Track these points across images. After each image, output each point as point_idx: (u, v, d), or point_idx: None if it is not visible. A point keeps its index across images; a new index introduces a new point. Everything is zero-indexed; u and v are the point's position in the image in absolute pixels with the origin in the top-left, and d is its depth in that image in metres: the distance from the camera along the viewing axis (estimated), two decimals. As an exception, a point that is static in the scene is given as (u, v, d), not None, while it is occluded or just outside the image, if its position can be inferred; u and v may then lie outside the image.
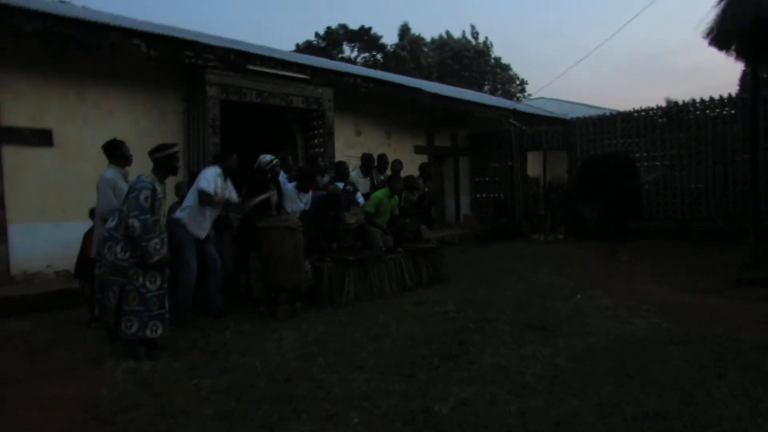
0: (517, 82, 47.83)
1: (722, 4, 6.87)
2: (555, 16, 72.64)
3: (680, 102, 12.01)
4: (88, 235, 5.74)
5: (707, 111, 11.48)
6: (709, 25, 7.03)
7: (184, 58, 8.20)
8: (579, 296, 5.90)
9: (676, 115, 11.87)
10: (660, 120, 12.08)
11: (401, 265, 6.76)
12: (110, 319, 4.47)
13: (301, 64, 9.97)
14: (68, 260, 7.30)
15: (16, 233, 7.12)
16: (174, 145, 4.93)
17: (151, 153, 4.68)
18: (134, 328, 4.27)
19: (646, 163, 12.48)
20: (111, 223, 4.47)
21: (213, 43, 8.96)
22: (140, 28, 8.04)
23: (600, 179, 9.22)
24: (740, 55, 7.35)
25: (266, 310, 5.69)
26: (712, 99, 11.43)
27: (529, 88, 46.08)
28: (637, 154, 12.44)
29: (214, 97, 8.58)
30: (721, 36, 7.07)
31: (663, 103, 24.52)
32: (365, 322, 5.15)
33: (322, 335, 4.76)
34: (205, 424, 3.02)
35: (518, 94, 46.25)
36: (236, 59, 8.86)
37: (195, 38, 8.77)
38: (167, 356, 4.32)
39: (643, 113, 12.39)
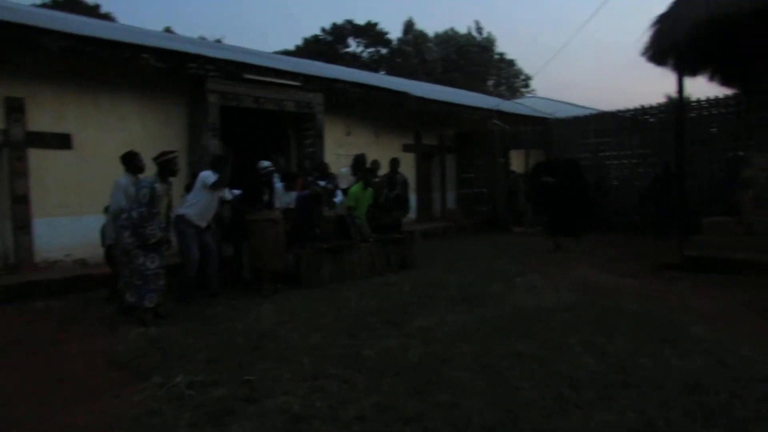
0: (522, 77, 48.61)
1: (656, 27, 7.84)
2: (561, 10, 73.06)
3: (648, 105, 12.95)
4: None
5: (670, 114, 12.41)
6: (646, 44, 8.01)
7: (188, 69, 9.26)
8: (518, 279, 6.96)
9: (641, 117, 12.82)
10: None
11: (372, 252, 7.85)
12: (124, 292, 5.60)
13: (293, 72, 11.01)
14: (84, 250, 8.40)
15: (39, 226, 8.07)
16: (173, 151, 6.08)
17: (155, 159, 5.82)
18: (134, 298, 5.43)
19: (615, 161, 13.52)
20: (124, 215, 5.61)
21: (213, 54, 10.04)
22: (149, 42, 9.09)
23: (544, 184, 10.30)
24: (675, 67, 8.35)
25: (255, 289, 6.80)
26: (671, 101, 12.42)
27: (533, 83, 46.79)
28: (608, 153, 13.48)
29: (214, 104, 9.63)
30: (657, 53, 8.05)
31: (664, 99, 25.22)
32: (333, 298, 6.26)
33: (295, 308, 5.86)
34: (197, 365, 4.11)
35: (522, 89, 47.06)
36: (234, 69, 9.92)
37: (197, 51, 9.84)
38: (169, 323, 5.42)
39: (611, 115, 13.35)
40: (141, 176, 6.42)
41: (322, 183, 8.41)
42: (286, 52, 34.80)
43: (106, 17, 30.78)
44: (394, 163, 10.01)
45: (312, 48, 37.20)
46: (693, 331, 4.33)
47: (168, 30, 32.50)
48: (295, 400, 3.30)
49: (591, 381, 3.37)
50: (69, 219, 8.40)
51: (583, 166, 12.27)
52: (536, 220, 14.29)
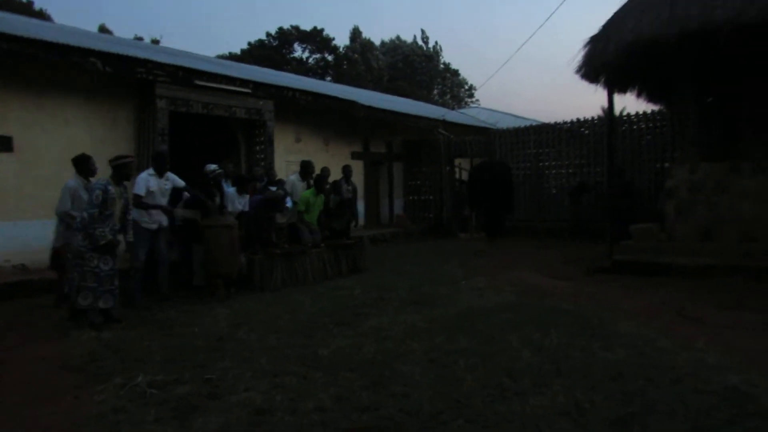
0: (466, 87, 49.86)
1: (588, 46, 8.44)
2: (504, 23, 75.30)
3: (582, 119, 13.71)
4: None
5: (604, 127, 13.19)
6: (579, 63, 8.61)
7: (137, 74, 9.24)
8: (464, 282, 7.35)
9: (577, 130, 13.58)
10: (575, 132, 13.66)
11: (323, 257, 8.08)
12: (73, 295, 5.60)
13: (244, 80, 11.11)
14: (24, 255, 8.23)
15: (-25, 231, 7.93)
16: (129, 156, 6.15)
17: (110, 161, 5.88)
18: (89, 300, 5.45)
19: (554, 171, 14.24)
20: (78, 218, 5.64)
21: (163, 59, 10.03)
22: (97, 46, 9.01)
23: (480, 185, 10.85)
24: (606, 85, 9.01)
25: (207, 293, 6.89)
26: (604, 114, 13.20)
27: (477, 93, 48.15)
28: (547, 163, 14.20)
29: (164, 109, 9.63)
30: (589, 72, 8.67)
31: (600, 111, 26.34)
32: (286, 301, 6.45)
33: (250, 311, 6.01)
34: (155, 366, 4.22)
35: (466, 98, 48.28)
36: (184, 75, 9.94)
37: (147, 56, 9.81)
38: (122, 328, 5.46)
39: (550, 127, 14.08)
40: (93, 179, 6.44)
41: (272, 189, 8.57)
42: (232, 56, 34.51)
43: (40, 14, 29.70)
44: (346, 170, 10.27)
45: (258, 52, 36.96)
46: (619, 327, 4.79)
47: (103, 27, 31.66)
48: (257, 396, 3.49)
49: (527, 371, 3.73)
50: (8, 223, 8.25)
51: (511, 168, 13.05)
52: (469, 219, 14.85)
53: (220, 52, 33.02)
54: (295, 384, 3.69)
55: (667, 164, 11.59)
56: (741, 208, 7.40)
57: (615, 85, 8.97)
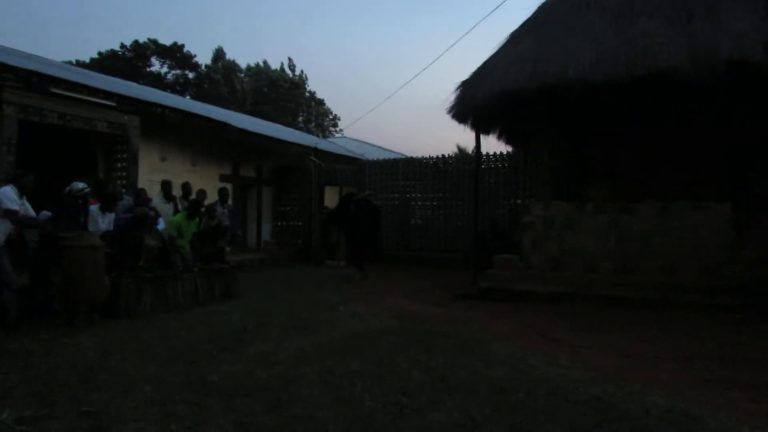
0: (330, 117, 50.73)
1: (459, 90, 9.18)
2: (369, 59, 78.16)
3: (446, 155, 14.71)
4: None
5: (466, 164, 14.26)
6: (451, 104, 9.33)
7: (-19, 76, 8.29)
8: (342, 307, 7.47)
9: (443, 165, 14.53)
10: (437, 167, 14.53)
11: (195, 282, 7.75)
12: None
13: (108, 92, 10.41)
14: None
15: None
16: None
17: None
18: None
19: (420, 203, 15.05)
20: None
21: (14, 62, 9.10)
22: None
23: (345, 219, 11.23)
24: (473, 126, 9.84)
25: (65, 320, 6.25)
26: (467, 154, 14.34)
27: (341, 123, 49.25)
28: (414, 195, 14.97)
29: (12, 116, 8.72)
30: (459, 113, 9.42)
31: (455, 149, 28.00)
32: (159, 328, 6.09)
33: (119, 339, 5.59)
34: (18, 401, 3.77)
35: (330, 128, 49.09)
36: (39, 81, 9.09)
37: (-5, 57, 8.85)
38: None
39: (417, 161, 14.91)
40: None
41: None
42: (79, 64, 31.85)
43: None
44: (222, 192, 10.07)
45: (108, 63, 34.48)
46: (494, 348, 5.23)
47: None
48: (149, 427, 3.30)
49: (421, 390, 3.94)
50: None
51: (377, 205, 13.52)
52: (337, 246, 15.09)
53: (64, 59, 29.81)
54: (188, 412, 3.53)
55: (519, 201, 12.80)
56: (584, 243, 8.46)
57: (481, 127, 9.83)
